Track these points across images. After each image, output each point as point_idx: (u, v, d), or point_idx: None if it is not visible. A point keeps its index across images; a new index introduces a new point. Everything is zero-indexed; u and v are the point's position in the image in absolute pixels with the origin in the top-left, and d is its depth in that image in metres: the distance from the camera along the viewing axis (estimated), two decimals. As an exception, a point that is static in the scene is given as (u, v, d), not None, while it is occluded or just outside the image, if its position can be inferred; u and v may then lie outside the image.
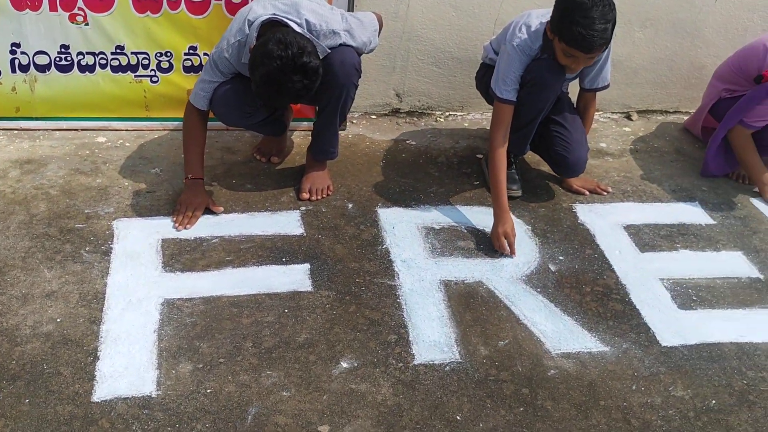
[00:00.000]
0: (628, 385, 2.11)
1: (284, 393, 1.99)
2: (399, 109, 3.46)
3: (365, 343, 2.17)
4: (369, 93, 3.39)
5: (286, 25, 2.44)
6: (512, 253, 2.56)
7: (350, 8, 3.02)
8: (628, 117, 3.65)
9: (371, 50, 2.74)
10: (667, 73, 3.59)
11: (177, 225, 2.56)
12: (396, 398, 2.01)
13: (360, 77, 2.64)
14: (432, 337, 2.22)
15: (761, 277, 2.60)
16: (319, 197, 2.79)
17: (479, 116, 3.49)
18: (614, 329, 2.31)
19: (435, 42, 3.30)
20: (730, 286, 2.54)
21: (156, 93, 3.10)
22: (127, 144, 3.05)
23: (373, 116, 3.44)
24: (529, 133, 2.79)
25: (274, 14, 2.47)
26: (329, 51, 2.54)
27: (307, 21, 2.50)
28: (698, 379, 2.15)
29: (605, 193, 2.99)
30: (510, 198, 2.86)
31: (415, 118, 3.46)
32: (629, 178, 3.13)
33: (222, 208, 2.66)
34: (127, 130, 3.13)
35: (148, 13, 2.92)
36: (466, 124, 3.45)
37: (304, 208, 2.74)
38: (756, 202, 3.02)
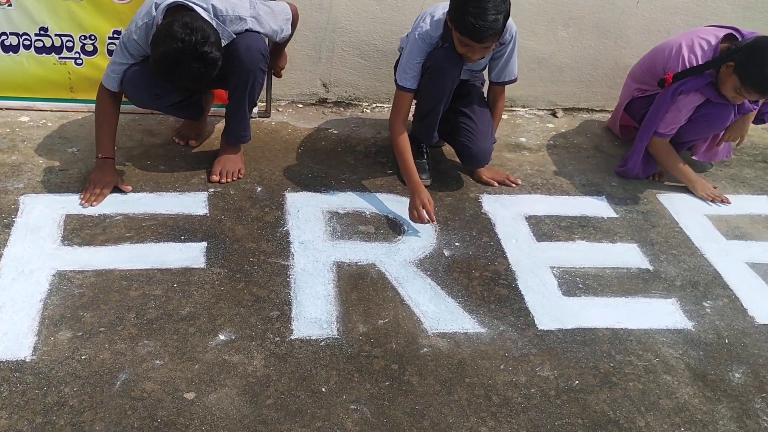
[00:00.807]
0: (497, 364, 2.19)
1: (157, 361, 2.06)
2: (326, 99, 3.53)
3: (246, 318, 2.24)
4: (295, 82, 3.46)
5: (192, 10, 2.51)
6: (432, 220, 2.66)
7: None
8: (554, 114, 3.73)
9: (283, 39, 2.82)
10: (591, 72, 3.68)
11: (83, 202, 2.63)
12: (266, 370, 2.08)
13: (267, 62, 2.71)
14: (314, 314, 2.29)
15: (650, 268, 2.68)
16: (228, 180, 2.86)
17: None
18: (495, 312, 2.39)
19: (359, 34, 3.37)
20: (618, 275, 2.62)
21: (81, 75, 3.16)
22: (50, 124, 3.12)
23: (300, 105, 3.52)
24: (433, 122, 2.86)
25: (182, -2, 2.54)
26: (235, 36, 2.61)
27: (213, 6, 2.56)
28: (566, 361, 2.22)
29: (514, 186, 3.06)
30: (419, 186, 2.94)
31: (341, 108, 3.53)
32: (542, 171, 3.21)
33: (131, 188, 2.73)
34: (51, 111, 3.19)
35: (72, -4, 2.99)
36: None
37: (212, 189, 2.81)
38: (662, 198, 3.10)
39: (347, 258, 2.54)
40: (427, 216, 2.64)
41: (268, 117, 3.37)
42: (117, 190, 2.71)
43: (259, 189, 2.85)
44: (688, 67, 2.92)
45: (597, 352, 2.27)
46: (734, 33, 2.93)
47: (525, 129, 3.56)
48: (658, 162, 3.14)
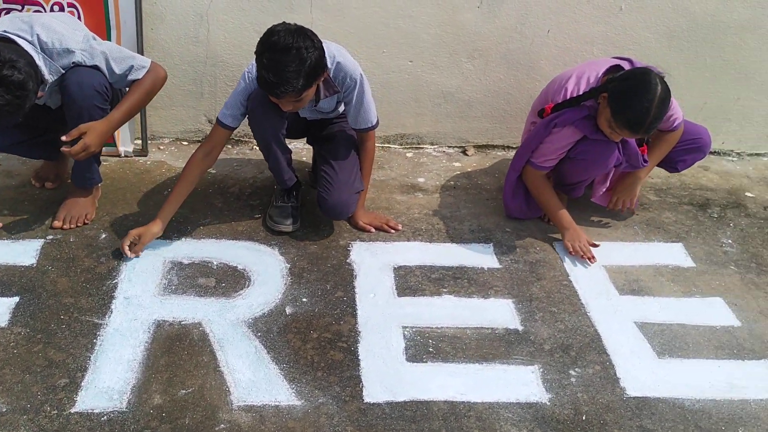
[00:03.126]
0: (301, 445, 1.91)
1: None
2: (213, 136, 3.30)
3: (29, 387, 2.01)
4: (178, 118, 3.26)
5: (13, 42, 2.32)
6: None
7: (139, 40, 2.91)
8: (464, 152, 3.46)
9: (125, 85, 2.56)
10: (504, 107, 3.41)
11: None
12: (26, 450, 1.83)
13: (105, 98, 2.49)
14: (107, 382, 2.04)
15: (519, 328, 2.38)
16: (72, 226, 2.65)
17: (297, 145, 3.33)
18: (320, 381, 2.12)
19: (241, 67, 3.14)
20: (479, 337, 2.33)
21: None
22: None
23: (185, 142, 3.31)
24: (274, 165, 2.68)
25: (5, 31, 2.35)
26: (64, 71, 2.41)
27: (38, 37, 2.37)
28: (384, 442, 1.94)
29: (393, 232, 2.80)
30: (281, 233, 2.71)
31: (228, 146, 3.31)
32: (430, 215, 2.94)
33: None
34: None
35: None
36: (283, 154, 3.29)
37: (51, 237, 2.60)
38: (558, 247, 2.80)
39: (172, 316, 2.30)
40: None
41: (145, 156, 3.16)
42: None
43: (104, 236, 2.63)
44: (568, 98, 2.64)
45: (424, 430, 1.98)
46: (620, 64, 2.65)
47: (428, 168, 3.30)
48: (531, 193, 2.84)
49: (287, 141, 2.71)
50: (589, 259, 2.67)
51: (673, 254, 2.83)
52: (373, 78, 3.25)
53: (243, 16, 3.05)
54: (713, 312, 2.53)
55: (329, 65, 2.49)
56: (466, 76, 3.30)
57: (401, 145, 3.46)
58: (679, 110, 2.76)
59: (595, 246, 2.72)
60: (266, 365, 2.15)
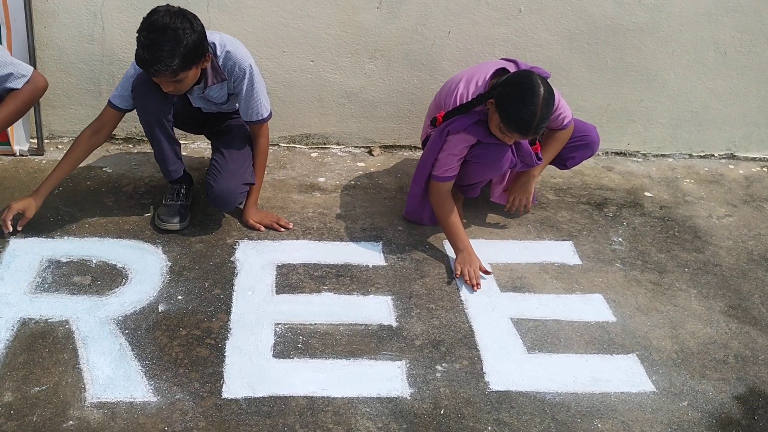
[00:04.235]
0: (149, 441, 1.91)
1: None
2: (114, 134, 3.29)
3: None
4: (77, 117, 3.23)
5: None
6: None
7: (30, 38, 2.92)
8: (370, 152, 3.48)
9: (5, 91, 2.53)
10: (409, 107, 3.43)
11: None
12: None
13: None
14: (-41, 380, 2.02)
15: (394, 324, 2.40)
16: (-49, 225, 2.61)
17: (201, 145, 3.33)
18: (181, 377, 2.11)
19: (139, 66, 3.14)
20: (350, 333, 2.34)
21: None
22: None
23: (84, 142, 3.27)
24: (157, 152, 2.69)
25: None
26: None
27: None
28: (234, 437, 1.94)
29: (283, 230, 2.80)
30: (168, 231, 2.70)
31: (130, 145, 3.30)
32: (324, 214, 2.95)
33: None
34: None
35: None
36: (185, 153, 3.28)
37: (-72, 235, 2.56)
38: (447, 244, 2.82)
39: (39, 314, 2.28)
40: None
41: (41, 155, 3.14)
42: None
43: (-16, 235, 2.60)
44: (458, 104, 2.66)
45: (278, 425, 1.99)
46: (506, 67, 2.68)
47: (330, 168, 3.31)
48: (433, 208, 2.81)
49: (186, 134, 2.70)
50: (473, 286, 2.59)
51: (562, 252, 2.87)
52: (275, 77, 3.26)
53: (138, 14, 2.97)
54: (591, 308, 2.57)
55: (218, 53, 2.54)
56: (369, 76, 3.32)
57: (307, 145, 3.47)
58: (567, 109, 2.80)
59: (487, 273, 2.67)
60: (128, 362, 2.14)
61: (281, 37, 3.18)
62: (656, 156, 3.70)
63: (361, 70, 3.30)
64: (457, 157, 2.70)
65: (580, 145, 2.93)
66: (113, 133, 3.23)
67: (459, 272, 2.63)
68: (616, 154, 3.68)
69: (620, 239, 2.98)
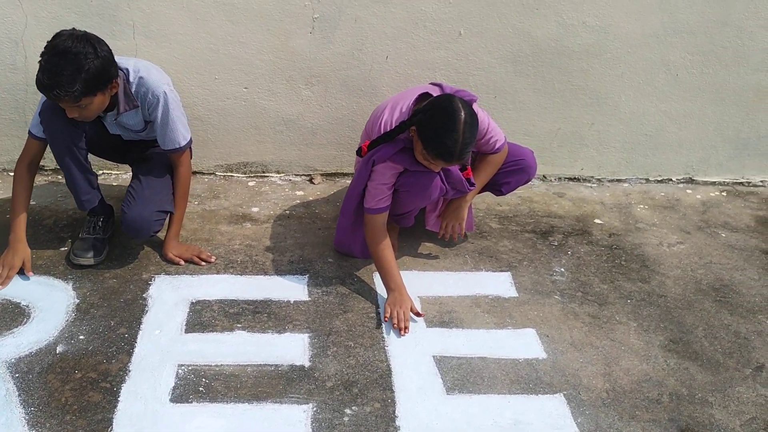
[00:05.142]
0: (17, 497, 1.77)
1: None
2: (43, 165, 3.19)
3: None
4: (4, 148, 3.16)
5: None
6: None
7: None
8: (311, 180, 3.37)
9: None
10: (349, 134, 3.33)
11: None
12: None
13: None
14: None
15: (307, 364, 2.27)
16: None
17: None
18: (67, 425, 1.99)
19: (65, 95, 3.05)
20: (258, 375, 2.21)
21: None
22: None
23: (11, 173, 3.17)
24: (69, 181, 2.60)
25: None
26: None
27: None
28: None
29: (204, 264, 2.68)
30: (82, 266, 2.58)
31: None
32: (252, 246, 2.83)
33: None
34: None
35: None
36: (115, 183, 3.18)
37: None
38: (377, 277, 2.69)
39: (-73, 357, 2.16)
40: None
41: (-34, 187, 3.04)
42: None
43: None
44: (382, 132, 2.55)
45: (162, 478, 1.85)
46: (430, 92, 2.57)
47: (266, 198, 3.20)
48: (367, 243, 2.66)
49: (107, 163, 2.61)
50: (401, 329, 2.42)
51: (498, 284, 2.74)
52: (208, 105, 3.17)
53: (61, 42, 2.95)
54: (521, 344, 2.43)
55: (131, 79, 2.47)
56: (306, 102, 3.22)
57: (245, 173, 3.36)
58: (499, 132, 2.69)
59: (419, 315, 2.51)
60: (11, 409, 2.02)
61: (212, 63, 3.08)
62: (611, 181, 3.59)
63: (298, 96, 3.20)
64: (387, 185, 2.58)
65: (515, 170, 2.81)
66: (42, 164, 3.14)
67: (388, 314, 2.48)
68: (569, 179, 3.56)
69: (562, 269, 2.85)
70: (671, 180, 3.63)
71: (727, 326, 2.60)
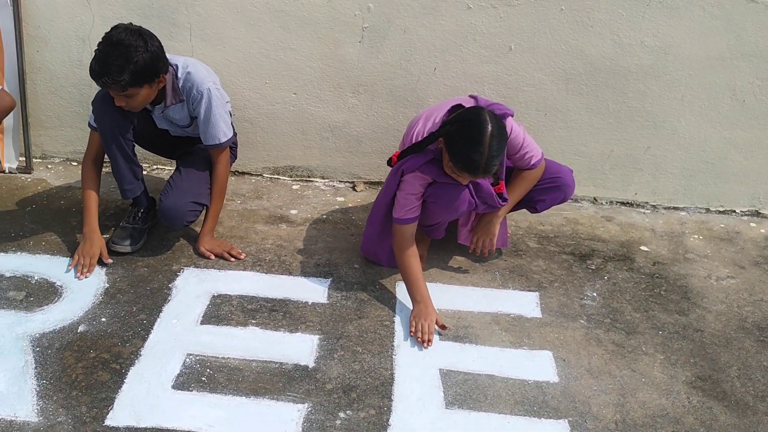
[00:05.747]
0: (12, 461, 1.88)
1: None
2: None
3: None
4: (68, 139, 3.36)
5: None
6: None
7: (19, 61, 3.07)
8: (354, 187, 3.40)
9: None
10: (394, 144, 3.32)
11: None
12: None
13: None
14: None
15: (310, 365, 2.29)
16: None
17: (182, 172, 3.35)
18: (71, 399, 2.08)
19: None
20: (261, 371, 2.25)
21: None
22: None
23: (74, 163, 3.38)
24: (115, 169, 2.72)
25: None
26: None
27: None
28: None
29: (233, 260, 2.76)
30: (119, 254, 2.71)
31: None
32: (282, 247, 2.88)
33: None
34: None
35: None
36: (166, 178, 3.32)
37: None
38: (400, 287, 2.69)
39: (-39, 325, 2.32)
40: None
41: (28, 173, 3.25)
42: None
43: (-56, 245, 2.70)
44: (413, 142, 2.55)
45: (148, 459, 1.91)
46: (464, 103, 2.55)
47: (307, 201, 3.25)
48: (394, 253, 2.63)
49: (161, 159, 2.81)
50: (424, 342, 2.39)
51: (523, 303, 2.67)
52: (258, 108, 3.26)
53: (124, 42, 3.12)
54: (534, 366, 2.36)
55: (179, 75, 2.60)
56: (353, 110, 3.26)
57: (290, 176, 3.43)
58: (535, 148, 2.64)
59: (444, 328, 2.48)
60: (26, 380, 2.13)
61: (263, 68, 3.18)
62: (667, 208, 3.43)
63: (345, 104, 3.25)
64: (415, 196, 2.57)
65: (551, 187, 2.74)
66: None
67: (413, 328, 2.44)
68: (622, 203, 3.43)
69: (594, 294, 2.74)
70: (734, 212, 3.43)
71: (766, 368, 2.42)
